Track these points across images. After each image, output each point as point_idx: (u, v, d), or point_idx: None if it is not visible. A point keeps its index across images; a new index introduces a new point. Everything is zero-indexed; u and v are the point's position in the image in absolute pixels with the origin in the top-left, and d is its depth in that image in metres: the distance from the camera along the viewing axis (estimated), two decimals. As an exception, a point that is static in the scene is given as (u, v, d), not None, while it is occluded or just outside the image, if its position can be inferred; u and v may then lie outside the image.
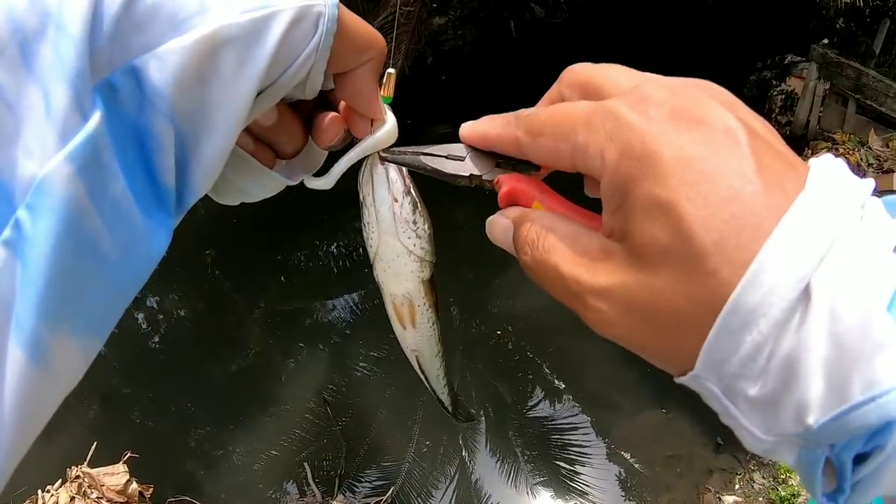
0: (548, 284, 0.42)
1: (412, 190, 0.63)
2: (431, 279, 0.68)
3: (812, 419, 0.31)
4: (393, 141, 0.59)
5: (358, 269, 6.40)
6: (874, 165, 5.88)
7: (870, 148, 6.00)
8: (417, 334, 0.73)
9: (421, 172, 0.57)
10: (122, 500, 3.45)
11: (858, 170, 5.02)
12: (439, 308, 0.71)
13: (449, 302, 5.79)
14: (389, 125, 0.58)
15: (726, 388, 0.34)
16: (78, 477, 3.39)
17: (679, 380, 0.37)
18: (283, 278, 6.49)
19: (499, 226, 0.50)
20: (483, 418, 4.93)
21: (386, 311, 0.71)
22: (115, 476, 3.47)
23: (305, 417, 4.97)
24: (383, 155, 0.60)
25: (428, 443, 4.77)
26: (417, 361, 0.81)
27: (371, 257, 0.66)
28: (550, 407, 5.00)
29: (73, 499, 3.25)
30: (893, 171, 5.66)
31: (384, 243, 0.65)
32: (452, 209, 6.81)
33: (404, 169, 0.61)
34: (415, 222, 0.65)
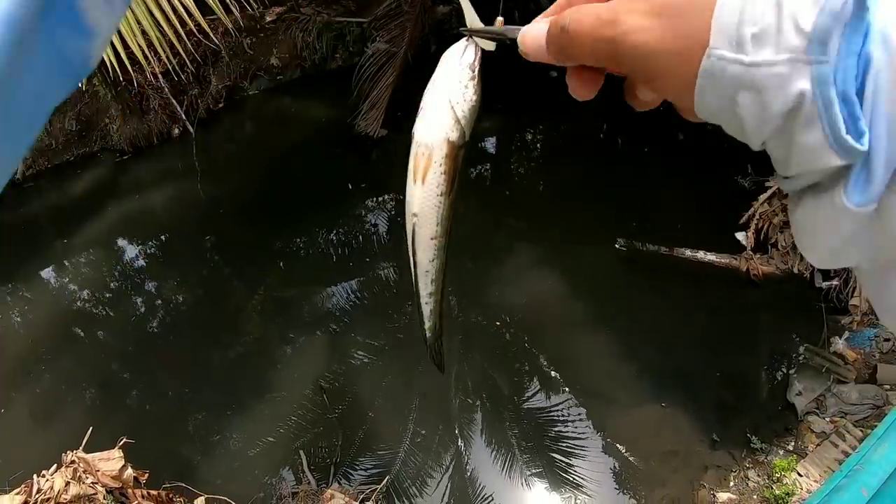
0: (583, 35, 0.51)
1: (477, 66, 0.75)
2: (456, 153, 0.77)
3: (806, 21, 0.39)
4: (489, 49, 0.75)
5: (357, 258, 6.40)
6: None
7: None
8: (423, 194, 0.79)
9: (501, 39, 0.70)
10: (117, 486, 3.45)
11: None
12: (453, 196, 0.79)
13: (449, 291, 5.79)
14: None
15: (736, 43, 0.42)
16: (73, 462, 3.38)
17: (701, 72, 0.44)
18: (282, 265, 6.49)
19: (532, 30, 0.59)
20: (479, 408, 4.94)
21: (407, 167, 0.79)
22: (111, 461, 3.47)
23: (302, 404, 4.98)
24: (474, 29, 0.74)
25: (424, 432, 4.78)
26: (413, 244, 0.86)
27: (420, 110, 0.76)
28: (546, 398, 5.01)
29: (67, 484, 3.25)
30: None
31: (435, 93, 0.75)
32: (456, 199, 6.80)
33: (479, 51, 0.75)
34: (466, 87, 0.74)
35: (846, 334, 4.98)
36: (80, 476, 3.31)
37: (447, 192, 0.78)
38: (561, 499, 4.42)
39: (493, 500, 4.40)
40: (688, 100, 0.46)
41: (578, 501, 4.41)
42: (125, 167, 8.70)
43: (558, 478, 4.53)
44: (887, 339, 4.88)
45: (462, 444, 4.75)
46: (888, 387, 4.61)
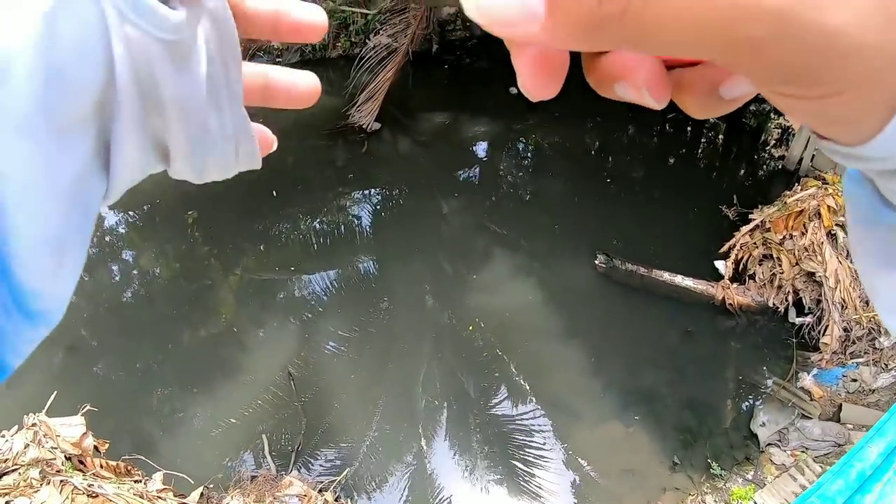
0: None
1: None
2: None
3: None
4: None
5: (338, 248, 6.38)
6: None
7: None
8: None
9: None
10: (76, 453, 3.42)
11: (841, 213, 5.06)
12: None
13: (425, 290, 5.80)
14: None
15: None
16: (34, 425, 3.35)
17: None
18: (262, 247, 6.46)
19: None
20: (445, 409, 4.94)
21: None
22: (72, 428, 3.44)
23: (269, 389, 4.96)
24: None
25: (388, 429, 4.78)
26: None
27: None
28: (513, 407, 5.02)
29: (27, 446, 3.22)
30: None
31: None
32: (439, 200, 6.81)
33: None
34: None
35: (814, 371, 5.03)
36: (39, 440, 3.28)
37: None
38: (518, 507, 4.44)
39: (450, 502, 4.40)
40: (865, 126, 0.28)
41: (535, 511, 4.43)
42: (113, 134, 8.62)
43: (518, 486, 4.54)
44: (854, 380, 4.95)
45: (424, 444, 4.75)
46: (851, 426, 4.67)
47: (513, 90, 8.25)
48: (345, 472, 4.29)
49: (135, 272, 6.22)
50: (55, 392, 3.70)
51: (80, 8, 0.33)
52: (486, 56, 9.42)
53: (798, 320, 5.22)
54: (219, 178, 0.47)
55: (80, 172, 0.36)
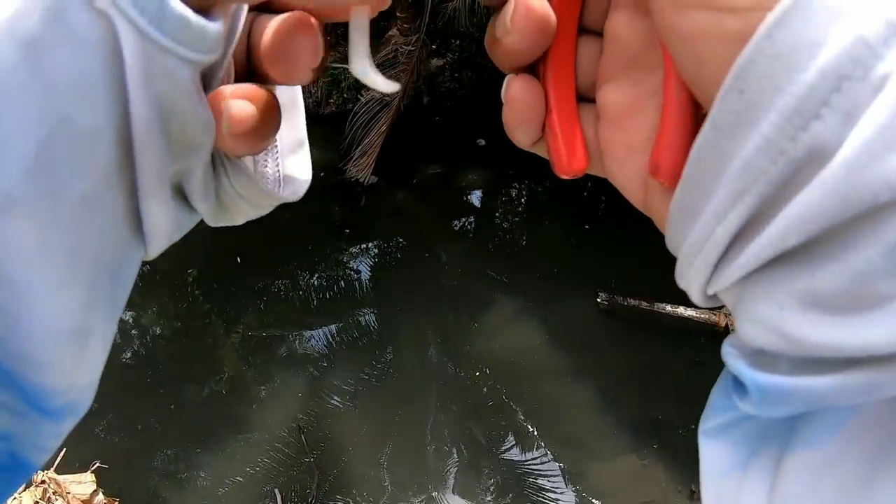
0: None
1: None
2: None
3: None
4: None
5: (338, 302, 6.37)
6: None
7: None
8: None
9: None
10: (85, 512, 3.37)
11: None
12: None
13: (428, 339, 5.77)
14: None
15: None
16: (44, 482, 3.30)
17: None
18: (262, 305, 6.44)
19: None
20: (456, 456, 4.88)
21: None
22: (82, 485, 3.39)
23: (275, 446, 4.90)
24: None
25: (399, 478, 4.71)
26: None
27: None
28: (523, 452, 4.96)
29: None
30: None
31: None
32: (437, 249, 6.84)
33: None
34: None
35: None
36: (49, 497, 3.22)
37: None
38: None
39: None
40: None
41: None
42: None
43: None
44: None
45: (436, 495, 4.68)
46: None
47: (480, 142, 8.36)
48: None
49: (134, 332, 6.18)
50: (64, 449, 3.65)
51: (76, 25, 0.24)
52: (474, 105, 9.57)
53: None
54: (253, 215, 0.45)
55: (102, 244, 0.29)
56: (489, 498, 4.64)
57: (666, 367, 5.27)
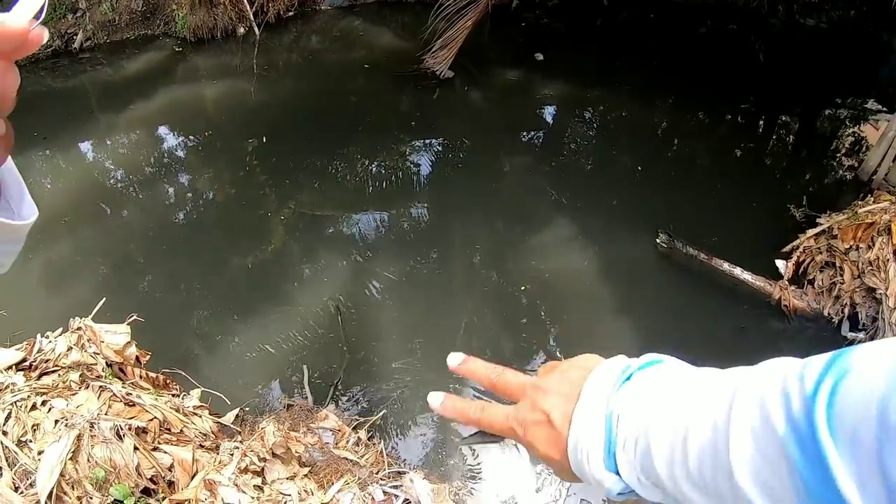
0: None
1: None
2: None
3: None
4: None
5: (393, 193, 6.32)
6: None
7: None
8: None
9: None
10: (118, 361, 3.43)
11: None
12: None
13: (475, 248, 5.71)
14: None
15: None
16: (80, 329, 3.36)
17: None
18: (317, 184, 6.43)
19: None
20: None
21: None
22: (117, 335, 3.44)
23: (309, 323, 4.94)
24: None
25: (424, 376, 4.73)
26: None
27: None
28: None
29: (70, 349, 3.22)
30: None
31: None
32: (502, 158, 6.70)
33: None
34: None
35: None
36: (83, 344, 3.29)
37: None
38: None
39: (476, 454, 4.35)
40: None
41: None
42: (184, 56, 8.63)
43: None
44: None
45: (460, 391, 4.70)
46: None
47: (538, 56, 8.06)
48: (381, 413, 4.26)
49: (189, 194, 6.24)
50: (104, 298, 3.71)
51: None
52: (564, 19, 9.20)
53: (851, 335, 5.01)
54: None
55: None
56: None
57: (710, 327, 5.12)
